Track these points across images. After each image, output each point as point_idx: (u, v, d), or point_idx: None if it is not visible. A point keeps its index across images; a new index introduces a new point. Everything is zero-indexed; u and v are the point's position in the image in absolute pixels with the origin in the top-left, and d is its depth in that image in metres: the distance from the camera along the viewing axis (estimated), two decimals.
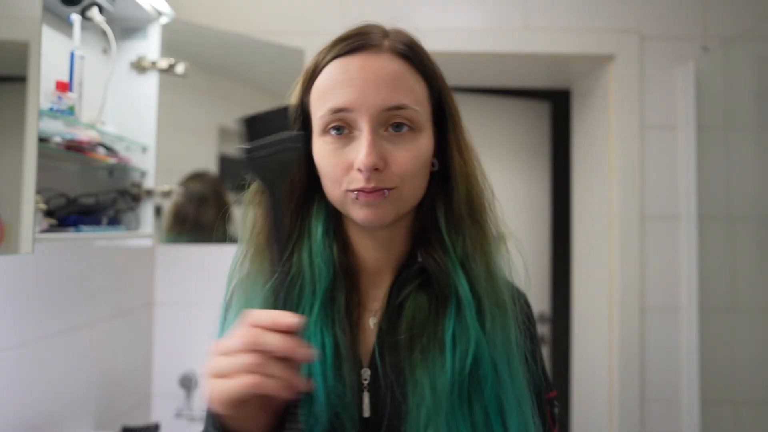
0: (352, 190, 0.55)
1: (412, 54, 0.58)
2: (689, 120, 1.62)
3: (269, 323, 0.44)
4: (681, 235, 1.64)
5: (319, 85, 0.57)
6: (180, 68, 1.26)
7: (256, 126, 0.51)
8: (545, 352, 2.21)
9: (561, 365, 2.15)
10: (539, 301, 2.23)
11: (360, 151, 0.53)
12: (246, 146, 0.50)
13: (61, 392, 1.12)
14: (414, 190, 0.58)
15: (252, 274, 0.59)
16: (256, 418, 0.46)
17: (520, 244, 0.65)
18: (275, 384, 0.43)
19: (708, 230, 1.61)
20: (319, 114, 0.56)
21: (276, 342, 0.43)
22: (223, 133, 1.58)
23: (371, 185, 0.54)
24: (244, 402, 0.43)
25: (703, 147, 1.62)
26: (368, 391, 0.58)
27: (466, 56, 1.66)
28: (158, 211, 1.33)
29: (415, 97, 0.56)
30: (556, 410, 0.66)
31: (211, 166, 1.56)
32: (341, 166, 0.55)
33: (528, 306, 0.68)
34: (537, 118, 2.27)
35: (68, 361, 1.14)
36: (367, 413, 0.57)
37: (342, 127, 0.55)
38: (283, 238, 0.49)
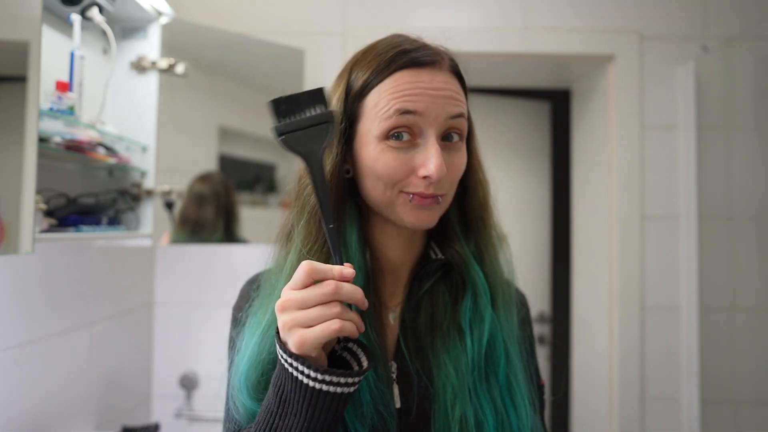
0: (409, 193, 0.59)
1: (460, 72, 0.64)
2: (689, 120, 1.62)
3: (339, 276, 0.50)
4: (681, 235, 1.64)
5: (380, 94, 0.59)
6: (180, 68, 1.26)
7: (284, 106, 0.53)
8: (545, 351, 2.21)
9: (561, 365, 2.15)
10: (539, 301, 2.23)
11: (429, 159, 0.57)
12: (277, 124, 0.53)
13: (61, 392, 1.12)
14: (453, 195, 0.63)
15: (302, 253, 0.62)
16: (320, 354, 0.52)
17: (519, 244, 0.69)
18: (353, 326, 0.50)
19: (708, 230, 1.61)
20: (384, 117, 0.58)
21: (351, 292, 0.50)
22: (223, 133, 1.58)
23: (430, 191, 0.58)
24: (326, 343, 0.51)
25: (703, 147, 1.62)
26: (397, 383, 0.61)
27: (466, 56, 1.66)
28: (170, 205, 1.34)
29: (466, 112, 0.62)
30: (544, 397, 0.72)
31: (211, 166, 1.56)
32: (402, 169, 0.58)
33: (526, 301, 0.75)
34: (537, 118, 2.27)
35: (68, 361, 1.14)
36: (398, 404, 0.60)
37: (403, 134, 0.58)
38: (328, 199, 0.53)
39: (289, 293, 0.50)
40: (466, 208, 0.67)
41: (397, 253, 0.66)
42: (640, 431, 1.61)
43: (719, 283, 1.61)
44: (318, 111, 0.53)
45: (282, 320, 0.50)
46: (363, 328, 0.52)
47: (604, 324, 1.73)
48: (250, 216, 1.59)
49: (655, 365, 1.63)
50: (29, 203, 0.76)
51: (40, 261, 1.05)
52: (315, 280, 0.50)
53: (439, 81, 0.59)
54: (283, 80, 1.62)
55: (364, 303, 0.51)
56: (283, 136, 0.52)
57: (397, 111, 0.57)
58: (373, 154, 0.59)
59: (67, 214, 1.01)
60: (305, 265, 0.50)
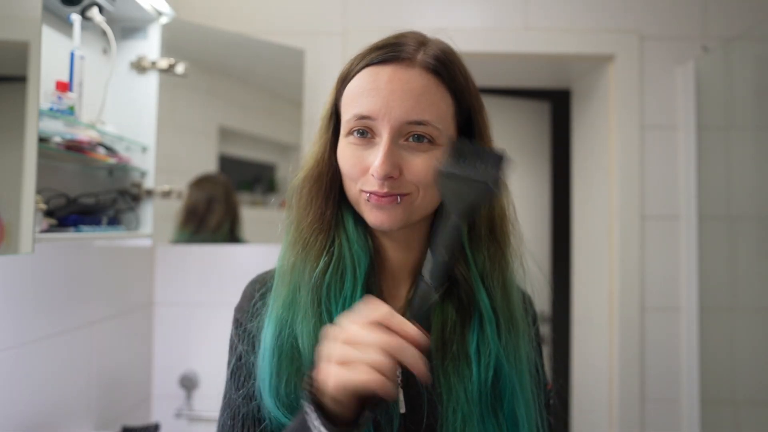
0: (366, 191, 0.58)
1: (443, 70, 0.58)
2: (689, 120, 1.62)
3: (408, 336, 0.46)
4: (681, 235, 1.64)
5: (350, 91, 0.59)
6: (180, 68, 1.26)
7: (465, 150, 0.55)
8: (545, 351, 2.21)
9: (561, 365, 2.15)
10: (539, 301, 2.23)
11: (376, 158, 0.56)
12: (449, 166, 0.54)
13: (61, 392, 1.12)
14: (427, 199, 0.59)
15: (299, 264, 0.61)
16: (351, 404, 0.48)
17: (537, 261, 0.68)
18: (394, 388, 0.45)
19: (708, 230, 1.61)
20: (345, 118, 0.59)
21: (414, 359, 0.45)
22: (223, 133, 1.58)
23: (384, 190, 0.56)
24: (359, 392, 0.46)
25: (703, 147, 1.62)
26: (402, 387, 0.60)
27: (466, 56, 1.66)
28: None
29: (439, 114, 0.57)
30: (552, 401, 0.70)
31: (211, 166, 1.56)
32: (359, 167, 0.58)
33: (533, 307, 0.73)
34: (537, 118, 2.27)
35: (68, 361, 1.14)
36: (402, 409, 0.59)
37: (365, 132, 0.58)
38: (443, 262, 0.52)
39: (348, 324, 0.47)
40: (474, 223, 0.63)
41: (393, 255, 0.65)
42: (640, 431, 1.61)
43: (719, 283, 1.61)
44: (489, 174, 0.52)
45: (326, 349, 0.47)
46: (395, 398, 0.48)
47: (604, 324, 1.73)
48: (250, 216, 1.59)
49: (655, 365, 1.63)
50: (29, 203, 0.76)
51: (40, 261, 1.05)
52: (379, 324, 0.47)
53: (400, 79, 0.56)
54: (283, 80, 1.62)
55: (425, 376, 0.46)
56: (443, 173, 0.54)
57: (354, 116, 0.58)
58: (340, 148, 0.61)
59: (67, 214, 1.01)
60: (383, 309, 0.47)
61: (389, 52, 0.58)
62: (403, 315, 0.63)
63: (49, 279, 1.09)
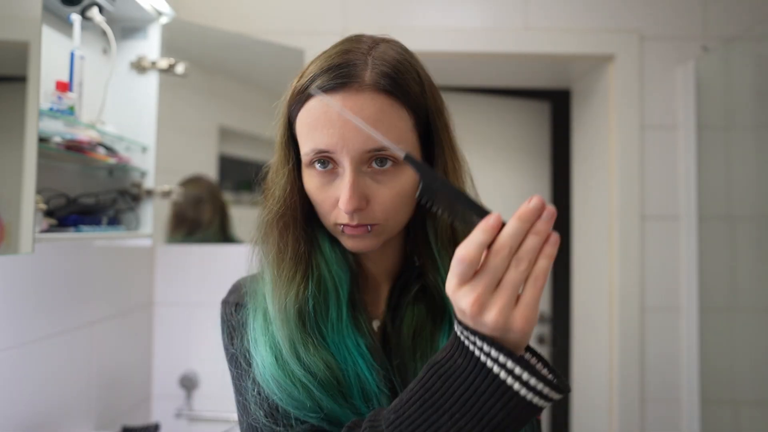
0: (339, 224, 0.58)
1: (395, 87, 0.55)
2: (689, 120, 1.62)
3: (492, 229, 0.44)
4: (681, 235, 1.64)
5: (303, 120, 0.57)
6: (180, 68, 1.26)
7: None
8: (545, 351, 2.21)
9: (561, 365, 2.15)
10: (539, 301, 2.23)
11: (343, 192, 0.55)
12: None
13: (61, 392, 1.12)
14: (398, 221, 0.59)
15: (284, 297, 0.60)
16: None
17: None
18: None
19: (708, 230, 1.61)
20: (304, 150, 0.58)
21: (544, 227, 0.46)
22: (223, 133, 1.58)
23: (355, 222, 0.56)
24: None
25: (703, 147, 1.62)
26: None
27: (466, 56, 1.66)
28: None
29: (398, 135, 0.55)
30: None
31: (211, 166, 1.56)
32: (328, 201, 0.58)
33: None
34: (537, 118, 2.27)
35: (68, 361, 1.14)
36: None
37: (326, 162, 0.57)
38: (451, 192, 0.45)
39: (468, 286, 0.43)
40: (437, 228, 0.62)
41: (370, 266, 0.66)
42: (640, 431, 1.61)
43: (719, 283, 1.61)
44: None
45: (487, 314, 0.42)
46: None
47: (604, 324, 1.73)
48: (250, 216, 1.59)
49: (655, 365, 1.63)
50: (29, 203, 0.76)
51: (40, 261, 1.05)
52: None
53: (351, 108, 0.53)
54: (283, 80, 1.62)
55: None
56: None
57: (312, 150, 0.56)
58: (305, 179, 0.60)
59: (67, 214, 1.00)
60: (466, 253, 0.43)
61: (337, 77, 0.54)
62: (386, 317, 0.64)
63: (49, 279, 1.09)
